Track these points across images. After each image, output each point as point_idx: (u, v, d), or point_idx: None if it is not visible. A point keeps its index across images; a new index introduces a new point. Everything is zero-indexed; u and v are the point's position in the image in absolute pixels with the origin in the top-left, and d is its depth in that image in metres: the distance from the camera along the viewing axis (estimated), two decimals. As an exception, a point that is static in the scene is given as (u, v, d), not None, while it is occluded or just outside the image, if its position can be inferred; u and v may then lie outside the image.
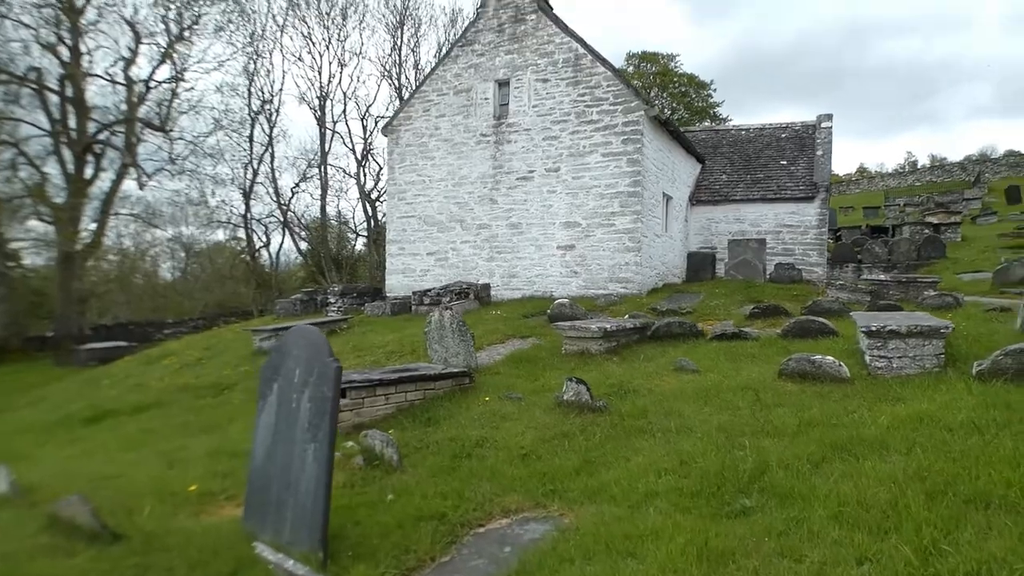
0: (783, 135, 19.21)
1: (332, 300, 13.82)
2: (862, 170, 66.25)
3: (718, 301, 12.47)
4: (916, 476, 3.88)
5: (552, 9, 15.25)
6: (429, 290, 12.89)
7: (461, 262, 15.55)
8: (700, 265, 15.10)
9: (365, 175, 32.97)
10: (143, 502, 4.73)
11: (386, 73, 31.80)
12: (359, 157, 32.64)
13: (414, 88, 30.53)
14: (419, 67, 31.86)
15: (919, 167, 54.68)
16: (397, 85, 31.57)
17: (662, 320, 9.44)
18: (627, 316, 10.43)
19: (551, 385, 7.27)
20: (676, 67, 43.69)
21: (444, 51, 30.81)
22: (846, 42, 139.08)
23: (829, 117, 18.86)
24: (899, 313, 7.43)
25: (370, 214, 33.68)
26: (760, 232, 17.26)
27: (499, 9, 15.28)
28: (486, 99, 15.38)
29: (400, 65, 31.53)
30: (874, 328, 6.29)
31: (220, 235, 34.97)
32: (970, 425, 4.62)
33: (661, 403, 6.08)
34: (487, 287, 13.80)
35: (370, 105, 33.98)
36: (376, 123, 32.50)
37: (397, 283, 16.32)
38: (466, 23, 31.04)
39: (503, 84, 15.28)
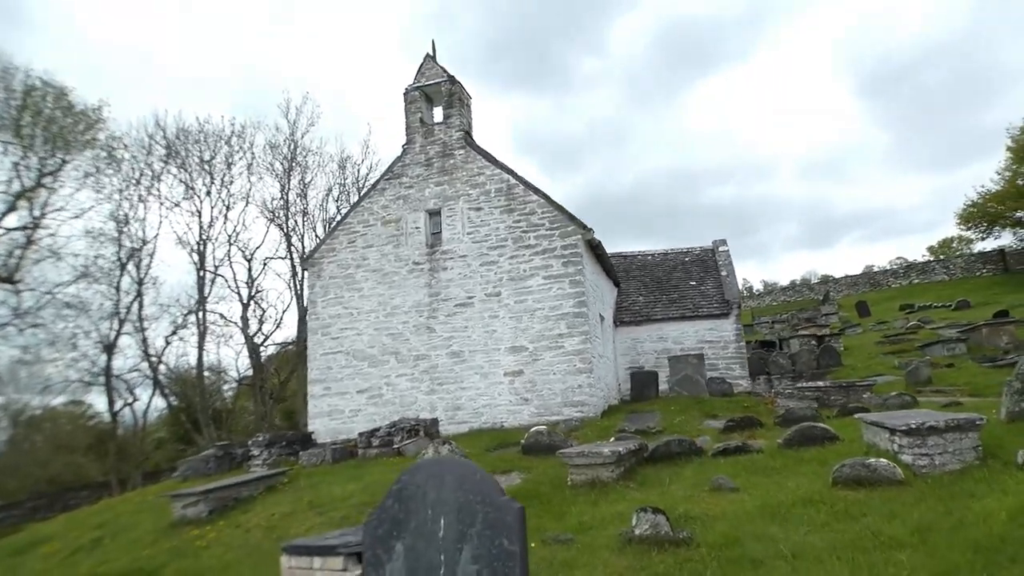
0: (687, 258, 20.60)
1: (256, 452, 11.95)
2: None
3: (679, 418, 12.29)
4: (1115, 572, 3.60)
5: (475, 143, 15.72)
6: (376, 430, 11.56)
7: (398, 397, 14.36)
8: (645, 383, 15.06)
9: (249, 319, 30.65)
10: None
11: (274, 218, 30.67)
12: (244, 301, 30.45)
13: (314, 226, 30.00)
14: (307, 212, 31.13)
15: (755, 291, 61.05)
16: (286, 230, 30.48)
17: (659, 440, 8.99)
18: (612, 439, 9.86)
19: (589, 521, 6.42)
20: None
21: (337, 192, 31.00)
22: (681, 186, 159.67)
23: (724, 242, 20.61)
24: (915, 411, 7.54)
25: (254, 361, 30.95)
26: (684, 349, 17.79)
27: (426, 145, 15.50)
28: (417, 228, 15.12)
29: (287, 209, 30.65)
30: (913, 425, 6.25)
31: (61, 399, 29.91)
32: (1088, 512, 4.52)
33: (739, 527, 5.49)
34: (436, 422, 12.70)
35: (257, 247, 32.20)
36: (264, 265, 30.92)
37: (323, 427, 14.66)
38: (356, 168, 31.65)
39: (434, 213, 15.17)
